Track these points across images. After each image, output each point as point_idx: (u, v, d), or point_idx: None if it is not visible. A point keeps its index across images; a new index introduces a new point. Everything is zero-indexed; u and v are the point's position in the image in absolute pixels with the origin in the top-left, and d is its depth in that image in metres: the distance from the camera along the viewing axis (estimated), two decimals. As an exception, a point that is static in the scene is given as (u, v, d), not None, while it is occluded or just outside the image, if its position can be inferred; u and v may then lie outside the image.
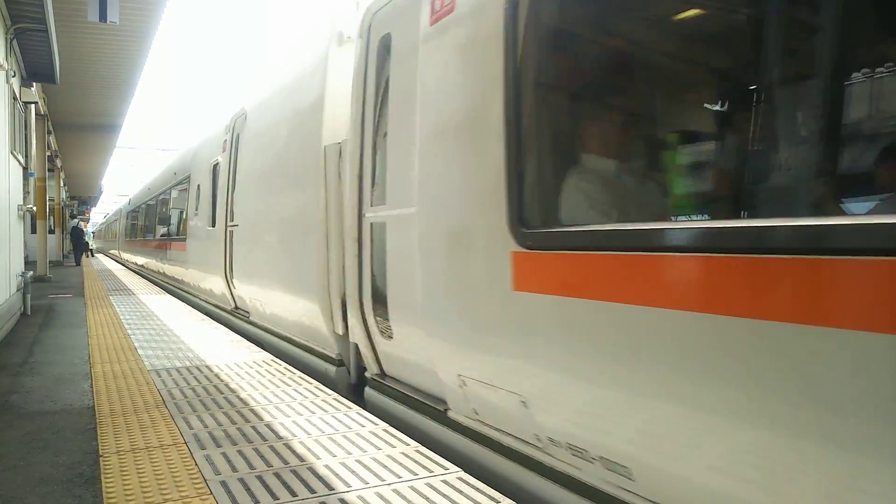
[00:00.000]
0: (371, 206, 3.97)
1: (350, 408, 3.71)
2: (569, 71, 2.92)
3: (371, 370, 4.17)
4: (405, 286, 3.45)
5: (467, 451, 3.05)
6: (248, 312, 7.07)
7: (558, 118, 2.90)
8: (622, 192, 2.75)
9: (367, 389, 4.20)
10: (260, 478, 2.64)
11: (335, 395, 4.03)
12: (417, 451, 2.96)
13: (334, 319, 4.59)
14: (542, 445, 2.55)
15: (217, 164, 8.07)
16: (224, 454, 2.93)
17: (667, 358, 1.91)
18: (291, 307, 5.42)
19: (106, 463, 2.84)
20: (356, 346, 4.31)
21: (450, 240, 2.99)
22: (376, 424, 3.38)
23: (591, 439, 2.27)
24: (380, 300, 3.85)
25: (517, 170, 2.54)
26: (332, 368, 4.71)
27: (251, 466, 2.77)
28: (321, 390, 4.14)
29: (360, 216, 4.07)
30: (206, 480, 2.62)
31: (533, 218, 2.51)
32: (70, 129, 16.15)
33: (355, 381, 4.50)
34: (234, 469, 2.75)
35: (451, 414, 3.21)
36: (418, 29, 3.28)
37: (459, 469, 2.73)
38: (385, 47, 3.86)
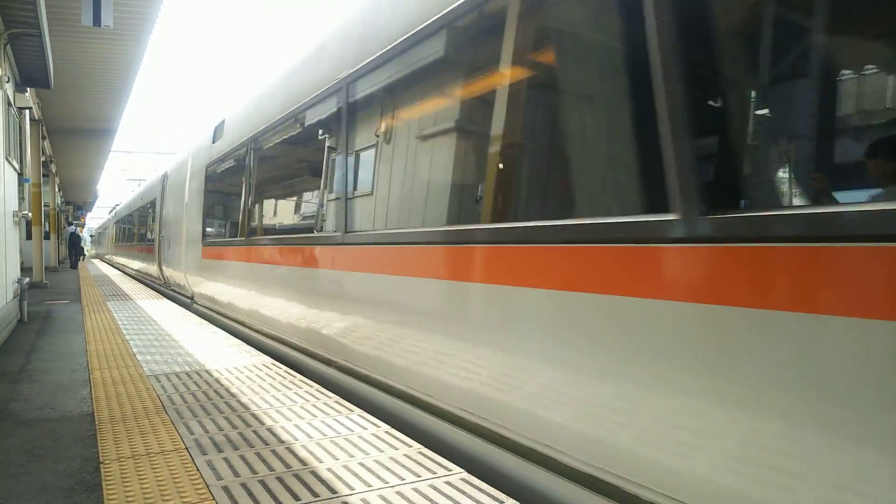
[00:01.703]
0: None
1: (352, 410, 3.69)
2: None
3: None
4: None
5: None
6: None
7: None
8: None
9: None
10: (262, 482, 2.63)
11: (336, 397, 4.01)
12: (420, 453, 2.94)
13: None
14: None
15: None
16: (226, 459, 2.91)
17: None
18: None
19: (107, 470, 2.82)
20: None
21: None
22: (378, 427, 3.37)
23: None
24: None
25: None
26: None
27: (253, 471, 2.76)
28: (322, 393, 4.12)
29: None
30: (208, 486, 2.60)
31: None
32: (65, 133, 16.09)
33: None
34: (236, 474, 2.73)
35: None
36: None
37: (463, 470, 2.73)
38: None
